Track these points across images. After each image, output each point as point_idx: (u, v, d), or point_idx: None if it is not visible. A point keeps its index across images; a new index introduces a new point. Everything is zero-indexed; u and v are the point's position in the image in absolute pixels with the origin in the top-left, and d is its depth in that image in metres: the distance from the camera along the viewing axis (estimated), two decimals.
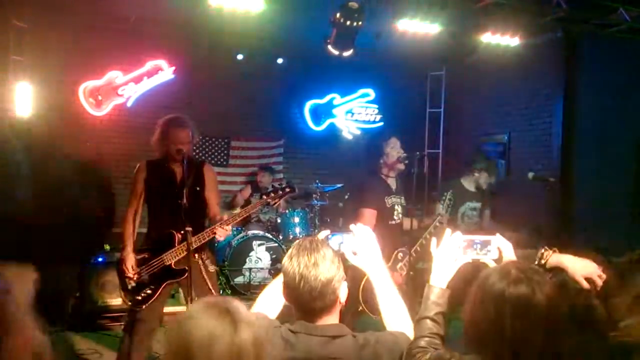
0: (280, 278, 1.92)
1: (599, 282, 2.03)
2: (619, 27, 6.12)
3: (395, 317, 1.96)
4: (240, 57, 7.83)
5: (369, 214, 4.26)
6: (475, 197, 4.93)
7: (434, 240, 2.03)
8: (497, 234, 1.98)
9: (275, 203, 3.83)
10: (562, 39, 6.67)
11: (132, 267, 3.73)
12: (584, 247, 2.32)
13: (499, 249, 1.93)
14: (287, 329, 1.82)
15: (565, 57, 6.51)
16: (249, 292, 6.23)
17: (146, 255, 3.78)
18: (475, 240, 1.95)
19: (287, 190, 3.81)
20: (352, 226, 2.08)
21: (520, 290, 1.50)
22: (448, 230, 1.99)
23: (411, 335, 1.88)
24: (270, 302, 2.09)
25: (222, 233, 3.70)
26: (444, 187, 4.98)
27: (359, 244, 2.04)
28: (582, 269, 2.11)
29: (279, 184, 3.91)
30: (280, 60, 8.12)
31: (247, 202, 7.18)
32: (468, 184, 4.96)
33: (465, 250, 1.94)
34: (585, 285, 2.03)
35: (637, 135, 6.08)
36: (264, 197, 3.80)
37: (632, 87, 6.30)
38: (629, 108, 6.32)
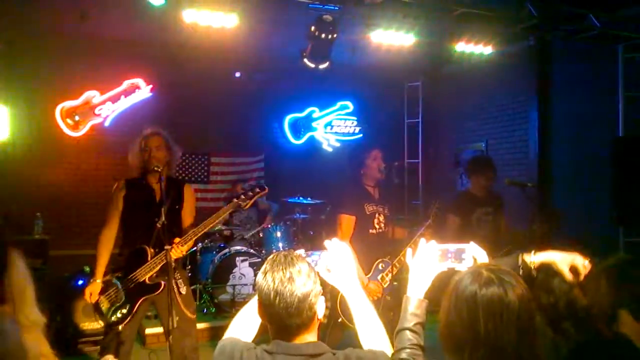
0: (254, 300, 1.88)
1: (583, 272, 2.04)
2: (589, 32, 6.22)
3: (371, 335, 1.93)
4: (217, 73, 7.85)
5: (347, 219, 4.27)
6: (486, 202, 4.99)
7: (409, 250, 2.03)
8: (471, 242, 1.98)
9: (247, 205, 3.77)
10: (535, 47, 6.77)
11: (92, 294, 3.68)
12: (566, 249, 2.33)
13: (473, 257, 1.93)
14: (262, 350, 1.76)
15: (539, 64, 6.61)
16: (233, 309, 6.17)
17: (120, 274, 3.73)
18: (449, 249, 1.96)
19: (258, 191, 3.76)
20: (326, 242, 2.04)
21: (492, 292, 1.52)
22: (422, 240, 1.99)
23: (389, 352, 1.85)
24: (245, 324, 2.03)
25: (176, 254, 3.57)
26: (455, 201, 5.08)
27: (334, 261, 2.00)
28: (569, 259, 2.12)
29: (249, 186, 3.85)
30: (258, 75, 8.14)
31: (228, 222, 7.15)
32: (477, 190, 5.03)
33: (441, 259, 1.95)
34: (569, 276, 2.04)
35: (611, 138, 6.17)
36: (235, 199, 3.73)
37: (604, 90, 6.41)
38: (602, 111, 6.42)
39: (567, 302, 2.01)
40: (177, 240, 3.61)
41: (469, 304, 1.53)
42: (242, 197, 3.72)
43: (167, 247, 3.45)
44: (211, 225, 3.78)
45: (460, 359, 1.53)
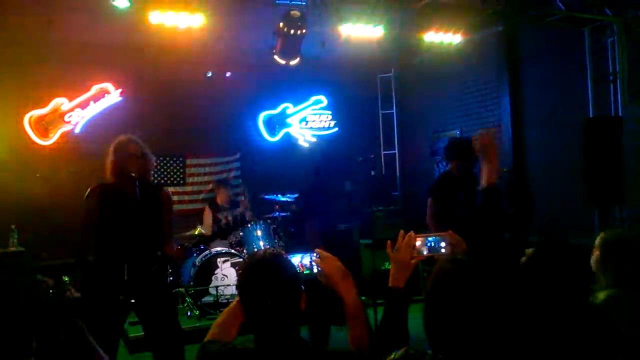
0: (235, 301, 1.89)
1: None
2: (555, 16, 6.31)
3: (361, 339, 1.94)
4: (187, 73, 7.78)
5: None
6: (465, 184, 5.02)
7: (388, 242, 2.04)
8: (449, 231, 2.02)
9: (227, 236, 3.79)
10: (503, 33, 6.84)
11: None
12: (542, 232, 2.41)
13: (450, 245, 1.96)
14: (244, 348, 1.77)
15: (507, 49, 6.67)
16: (217, 311, 6.13)
17: (98, 284, 3.67)
18: (428, 238, 2.00)
19: (242, 224, 3.76)
20: (316, 251, 2.07)
21: (471, 275, 1.54)
22: (401, 232, 2.02)
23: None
24: (226, 326, 2.03)
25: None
26: (435, 184, 5.12)
27: (329, 268, 2.04)
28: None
29: (232, 219, 3.84)
30: (228, 74, 8.08)
31: (216, 220, 7.08)
32: (456, 172, 5.05)
33: (420, 248, 1.97)
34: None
35: (582, 119, 6.26)
36: (220, 222, 3.75)
37: (573, 73, 6.50)
38: (572, 93, 6.52)
39: None
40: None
41: (450, 289, 1.53)
42: (224, 224, 3.73)
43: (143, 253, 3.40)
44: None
45: (445, 344, 1.54)
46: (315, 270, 2.09)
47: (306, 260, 2.04)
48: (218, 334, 2.00)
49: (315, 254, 2.07)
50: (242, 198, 7.52)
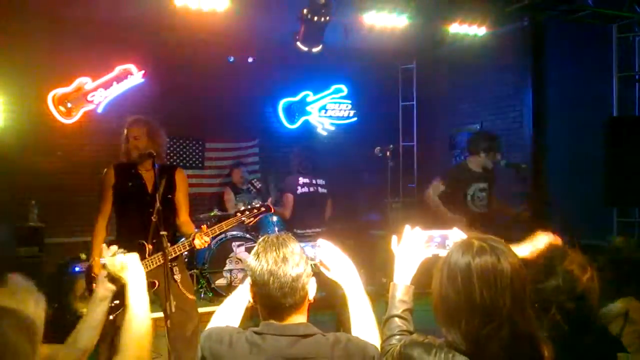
0: (238, 289, 1.90)
1: None
2: (583, 12, 6.20)
3: (365, 330, 1.95)
4: (210, 57, 7.80)
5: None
6: (482, 178, 4.99)
7: (394, 237, 2.00)
8: (455, 228, 1.96)
9: (251, 222, 3.75)
10: (529, 27, 6.74)
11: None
12: (559, 232, 2.36)
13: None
14: (251, 332, 1.78)
15: (533, 45, 6.58)
16: (230, 294, 6.20)
17: None
18: (434, 235, 1.94)
19: (263, 210, 3.72)
20: (319, 240, 2.06)
21: (485, 260, 1.53)
22: (407, 227, 1.98)
23: (379, 346, 1.87)
24: (230, 313, 2.06)
25: (200, 244, 3.58)
26: (450, 172, 5.11)
27: (331, 259, 2.04)
28: None
29: (255, 203, 3.81)
30: (250, 59, 8.08)
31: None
32: (474, 165, 5.01)
33: (426, 245, 1.94)
34: None
35: (605, 118, 6.17)
36: (239, 214, 3.69)
37: (598, 70, 6.40)
38: (597, 91, 6.42)
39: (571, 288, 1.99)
40: (204, 228, 3.57)
41: (463, 274, 1.54)
42: (247, 212, 3.67)
43: (162, 232, 3.41)
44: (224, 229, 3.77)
45: (457, 329, 1.55)
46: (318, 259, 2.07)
47: (308, 250, 2.01)
48: (222, 320, 2.03)
49: (317, 244, 2.06)
50: (257, 186, 7.59)
